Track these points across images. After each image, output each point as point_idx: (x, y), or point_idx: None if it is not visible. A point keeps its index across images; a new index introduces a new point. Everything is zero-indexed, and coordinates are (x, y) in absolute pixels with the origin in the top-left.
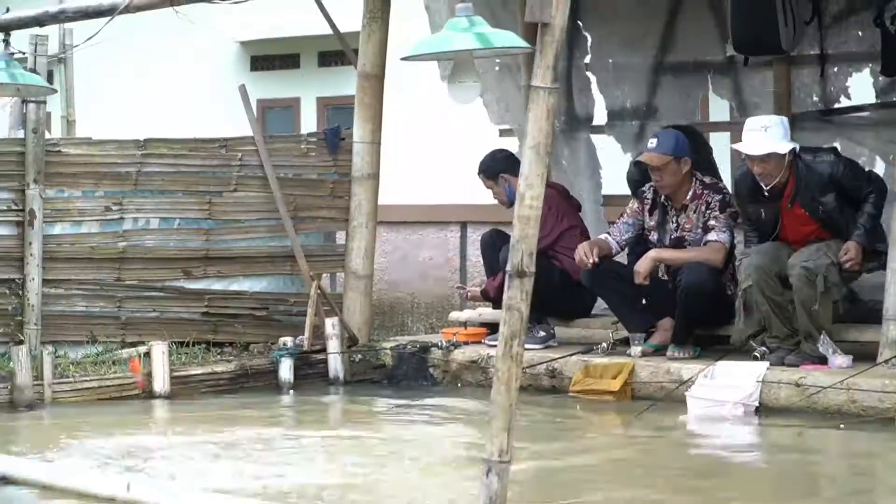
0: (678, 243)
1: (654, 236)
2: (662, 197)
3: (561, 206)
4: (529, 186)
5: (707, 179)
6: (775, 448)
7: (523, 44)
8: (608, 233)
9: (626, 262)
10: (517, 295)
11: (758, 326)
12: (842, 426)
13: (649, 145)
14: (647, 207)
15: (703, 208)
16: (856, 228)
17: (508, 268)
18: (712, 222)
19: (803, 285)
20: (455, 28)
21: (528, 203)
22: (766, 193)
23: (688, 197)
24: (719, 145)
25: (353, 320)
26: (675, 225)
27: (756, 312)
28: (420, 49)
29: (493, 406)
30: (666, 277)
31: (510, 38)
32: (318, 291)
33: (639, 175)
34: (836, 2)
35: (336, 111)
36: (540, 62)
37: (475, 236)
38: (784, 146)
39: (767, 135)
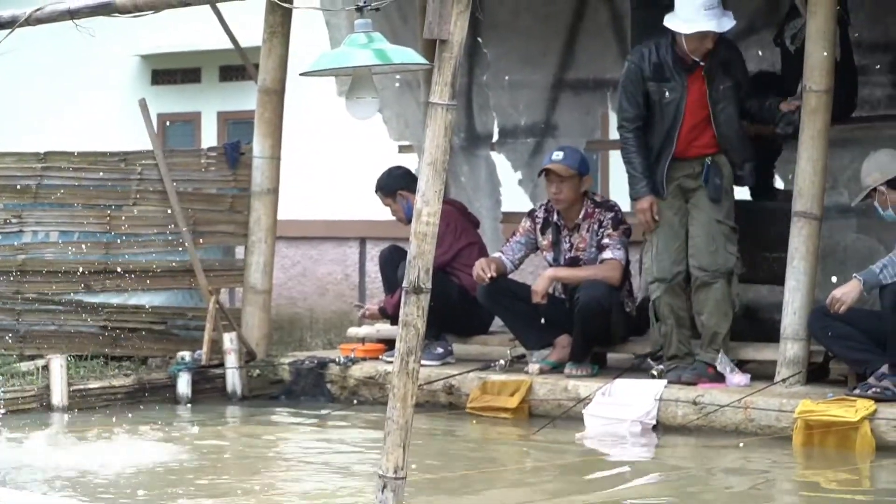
0: (573, 262)
1: (548, 256)
2: (555, 216)
3: (459, 222)
4: (426, 203)
5: (598, 198)
6: (672, 465)
7: (422, 60)
8: (501, 251)
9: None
10: (414, 311)
11: (656, 346)
12: (741, 444)
13: (554, 156)
14: (539, 226)
15: (595, 227)
16: None
17: (405, 284)
18: (606, 240)
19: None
20: (354, 44)
21: (424, 220)
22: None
23: (580, 216)
24: (620, 162)
25: (251, 335)
26: (568, 245)
27: (662, 326)
28: (319, 65)
29: (389, 422)
30: (563, 296)
31: (409, 55)
32: (217, 306)
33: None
34: (737, 21)
35: (237, 126)
36: (438, 79)
37: (374, 252)
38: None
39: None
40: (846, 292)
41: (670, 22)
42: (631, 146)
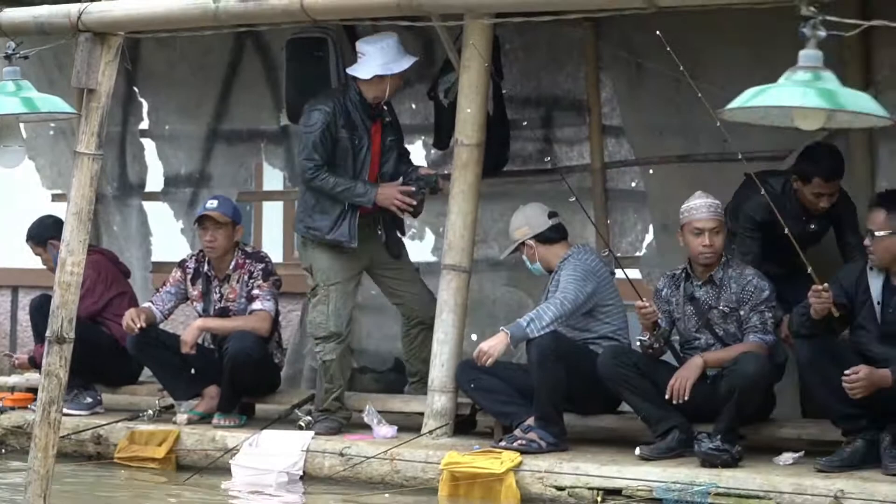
0: (223, 313)
1: (198, 306)
2: (206, 266)
3: (110, 272)
4: (71, 253)
5: (249, 249)
6: None
7: (69, 109)
8: (151, 301)
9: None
10: (56, 361)
11: (305, 396)
12: (386, 495)
13: (209, 204)
14: (190, 277)
15: (245, 278)
16: None
17: (48, 333)
18: (256, 291)
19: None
20: (1, 92)
21: (69, 269)
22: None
23: (231, 267)
24: (271, 215)
25: None
26: (218, 295)
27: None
28: None
29: (31, 472)
30: (213, 346)
31: (56, 104)
32: None
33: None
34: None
35: None
36: (85, 128)
37: (26, 301)
38: None
39: None
40: (493, 345)
41: (353, 70)
42: (329, 178)
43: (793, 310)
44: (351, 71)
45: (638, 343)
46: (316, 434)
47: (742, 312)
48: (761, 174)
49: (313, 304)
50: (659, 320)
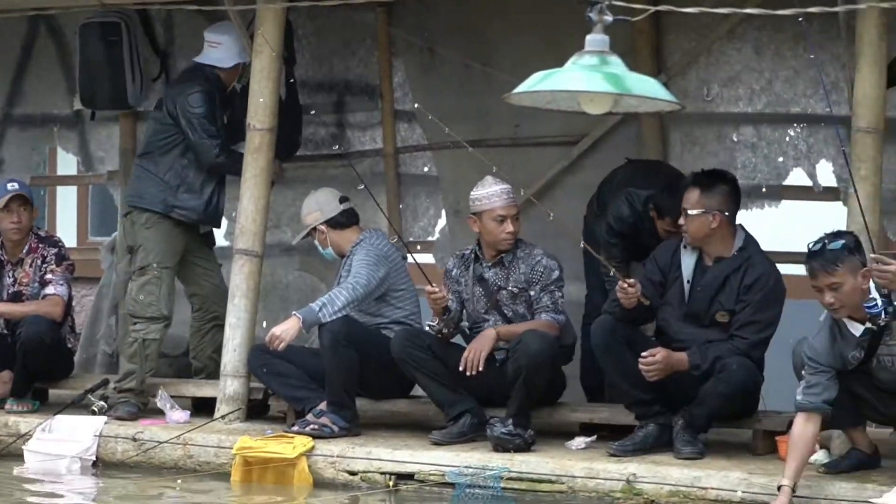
0: (16, 298)
1: None
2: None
3: None
4: None
5: (42, 233)
6: (111, 503)
7: None
8: None
9: None
10: None
11: (98, 381)
12: (179, 480)
13: (10, 186)
14: None
15: (39, 262)
16: None
17: None
18: (49, 276)
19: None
20: None
21: None
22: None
23: (24, 251)
24: (66, 199)
25: None
26: (12, 279)
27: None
28: None
29: None
30: (5, 331)
31: None
32: None
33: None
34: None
35: None
36: None
37: None
38: None
39: None
40: (285, 329)
41: (212, 60)
42: (234, 152)
43: (608, 296)
44: (209, 61)
45: (428, 328)
46: (116, 417)
47: (532, 293)
48: (632, 190)
49: (140, 283)
50: (449, 304)
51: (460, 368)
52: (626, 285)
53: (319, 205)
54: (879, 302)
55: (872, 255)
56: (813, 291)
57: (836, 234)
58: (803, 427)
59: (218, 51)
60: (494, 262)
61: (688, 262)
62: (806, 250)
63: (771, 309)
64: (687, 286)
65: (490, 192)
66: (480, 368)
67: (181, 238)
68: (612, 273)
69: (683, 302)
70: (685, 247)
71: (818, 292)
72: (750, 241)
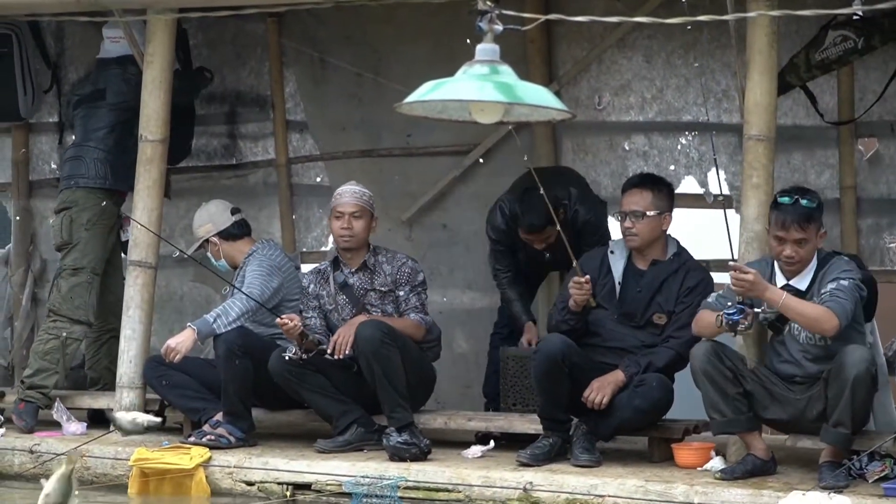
0: None
1: None
2: None
3: None
4: None
5: None
6: None
7: None
8: None
9: None
10: None
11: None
12: (76, 492)
13: None
14: None
15: None
16: None
17: None
18: None
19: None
20: None
21: None
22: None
23: None
24: None
25: None
26: None
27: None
28: None
29: None
30: None
31: None
32: None
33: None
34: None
35: None
36: None
37: None
38: None
39: None
40: (180, 341)
41: None
42: None
43: (552, 306)
44: (115, 55)
45: (287, 358)
46: (20, 414)
47: (401, 293)
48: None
49: (72, 284)
50: (305, 330)
51: (328, 351)
52: (582, 280)
53: (211, 216)
54: (735, 309)
55: (731, 263)
56: None
57: (804, 191)
58: None
59: (121, 45)
60: (358, 267)
61: (618, 265)
62: (774, 200)
63: None
64: (619, 287)
65: (339, 192)
66: (348, 352)
67: (110, 245)
68: (575, 264)
69: (615, 303)
70: (612, 252)
71: (778, 243)
72: (680, 245)
